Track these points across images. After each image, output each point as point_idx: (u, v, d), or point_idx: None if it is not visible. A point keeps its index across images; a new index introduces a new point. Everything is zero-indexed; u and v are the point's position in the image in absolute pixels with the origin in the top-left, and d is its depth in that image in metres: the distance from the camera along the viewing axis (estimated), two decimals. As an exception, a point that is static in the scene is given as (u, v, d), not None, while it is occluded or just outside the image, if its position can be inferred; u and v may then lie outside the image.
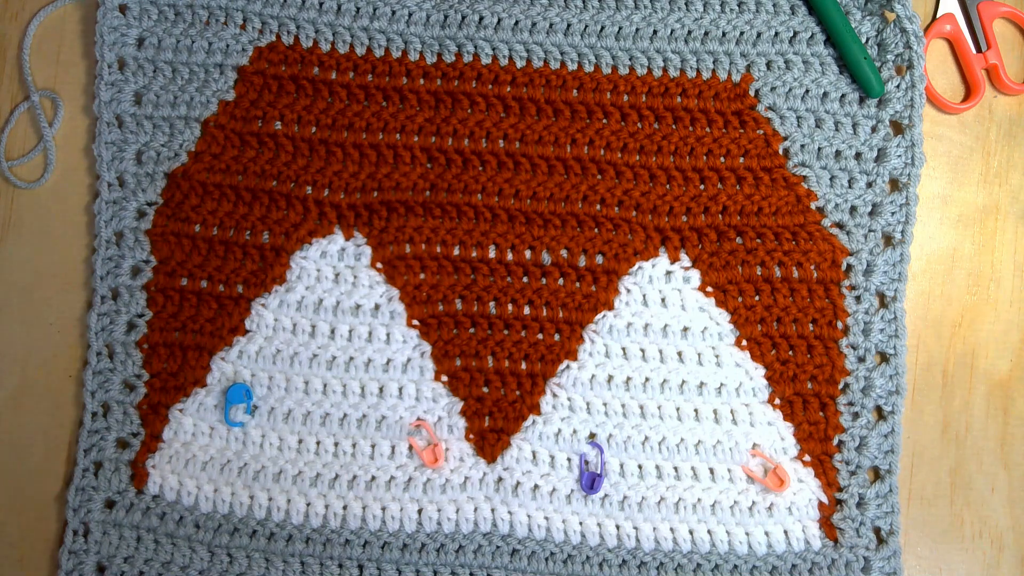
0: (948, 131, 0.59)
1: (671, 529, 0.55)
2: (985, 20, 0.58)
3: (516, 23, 0.58)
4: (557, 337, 0.56)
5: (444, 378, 0.56)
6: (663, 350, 0.56)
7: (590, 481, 0.55)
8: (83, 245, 0.58)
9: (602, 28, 0.57)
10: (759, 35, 0.57)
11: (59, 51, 0.60)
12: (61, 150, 0.59)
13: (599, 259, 0.57)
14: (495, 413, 0.56)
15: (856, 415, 0.56)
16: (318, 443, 0.56)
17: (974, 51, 0.59)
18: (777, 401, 0.55)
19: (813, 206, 0.57)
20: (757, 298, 0.56)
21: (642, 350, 0.56)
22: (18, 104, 0.59)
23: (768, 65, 0.57)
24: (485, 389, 0.56)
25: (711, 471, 0.55)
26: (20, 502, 0.57)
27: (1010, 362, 0.58)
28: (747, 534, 0.55)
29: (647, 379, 0.56)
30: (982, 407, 0.58)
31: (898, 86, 0.57)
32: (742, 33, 0.57)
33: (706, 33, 0.57)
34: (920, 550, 0.55)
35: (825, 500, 0.55)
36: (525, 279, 0.57)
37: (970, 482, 0.58)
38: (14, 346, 0.58)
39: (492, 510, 0.56)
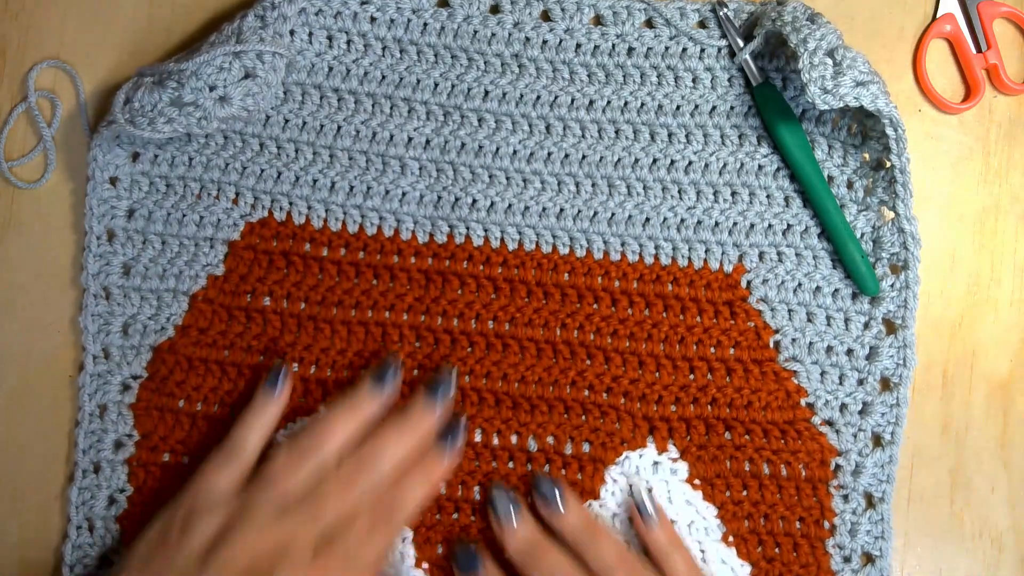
0: (948, 131, 0.60)
1: None
2: (985, 20, 0.60)
3: (509, 206, 0.58)
4: (541, 526, 0.57)
5: (425, 565, 0.57)
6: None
7: None
8: (83, 246, 0.59)
9: (595, 213, 0.58)
10: (752, 226, 0.58)
11: (59, 52, 0.61)
12: (61, 151, 0.61)
13: (585, 447, 0.57)
14: (476, 604, 0.56)
15: (840, 620, 0.56)
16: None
17: (974, 51, 0.60)
18: (763, 601, 0.56)
19: (803, 402, 0.57)
20: (745, 493, 0.57)
21: (627, 542, 0.57)
22: (16, 104, 0.60)
23: (761, 256, 0.58)
24: (466, 579, 0.56)
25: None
26: (20, 502, 0.59)
27: (1010, 362, 0.59)
28: None
29: (631, 573, 0.56)
30: (982, 407, 0.59)
31: (892, 285, 0.58)
32: (735, 223, 0.58)
33: (699, 222, 0.58)
34: (920, 550, 0.56)
35: None
36: (510, 464, 0.57)
37: (970, 482, 0.59)
38: (13, 346, 0.60)
39: None
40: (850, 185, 0.59)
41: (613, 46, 0.59)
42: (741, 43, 0.58)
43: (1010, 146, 0.60)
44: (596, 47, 0.59)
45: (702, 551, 0.57)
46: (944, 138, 0.60)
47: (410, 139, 0.59)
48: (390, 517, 0.53)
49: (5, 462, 0.59)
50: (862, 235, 0.58)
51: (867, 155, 0.58)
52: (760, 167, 0.59)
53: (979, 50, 0.60)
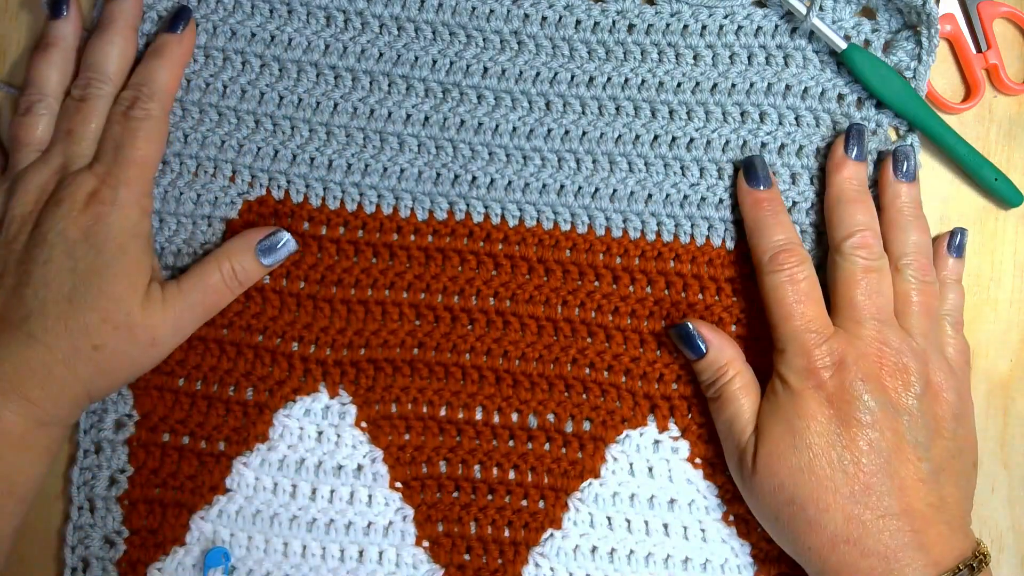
0: None
1: None
2: (985, 20, 0.60)
3: (509, 183, 0.59)
4: (542, 504, 0.57)
5: (425, 543, 0.57)
6: (649, 521, 0.57)
7: None
8: None
9: (596, 190, 0.59)
10: (754, 202, 0.58)
11: None
12: None
13: (586, 425, 0.58)
14: (476, 582, 0.57)
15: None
16: (298, 603, 0.57)
17: (974, 51, 0.61)
18: (763, 579, 0.56)
19: (804, 378, 0.57)
20: (745, 471, 0.57)
21: (627, 520, 0.57)
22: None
23: (762, 233, 0.58)
24: (467, 556, 0.57)
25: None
26: None
27: (1010, 362, 0.60)
28: None
29: (631, 551, 0.57)
30: (982, 407, 0.59)
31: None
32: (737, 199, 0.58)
33: (702, 199, 0.58)
34: None
35: None
36: (511, 443, 0.58)
37: None
38: None
39: None
40: (860, 103, 0.59)
41: (613, 23, 0.59)
42: (804, 9, 0.57)
43: (1010, 146, 0.61)
44: (596, 24, 0.59)
45: (702, 530, 0.57)
46: None
47: (408, 116, 0.59)
48: (140, 101, 0.56)
49: None
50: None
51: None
52: (763, 144, 0.59)
53: (979, 50, 0.60)
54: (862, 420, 0.51)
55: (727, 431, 0.55)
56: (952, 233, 0.58)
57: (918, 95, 0.58)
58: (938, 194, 0.61)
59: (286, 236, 0.57)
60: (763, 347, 0.58)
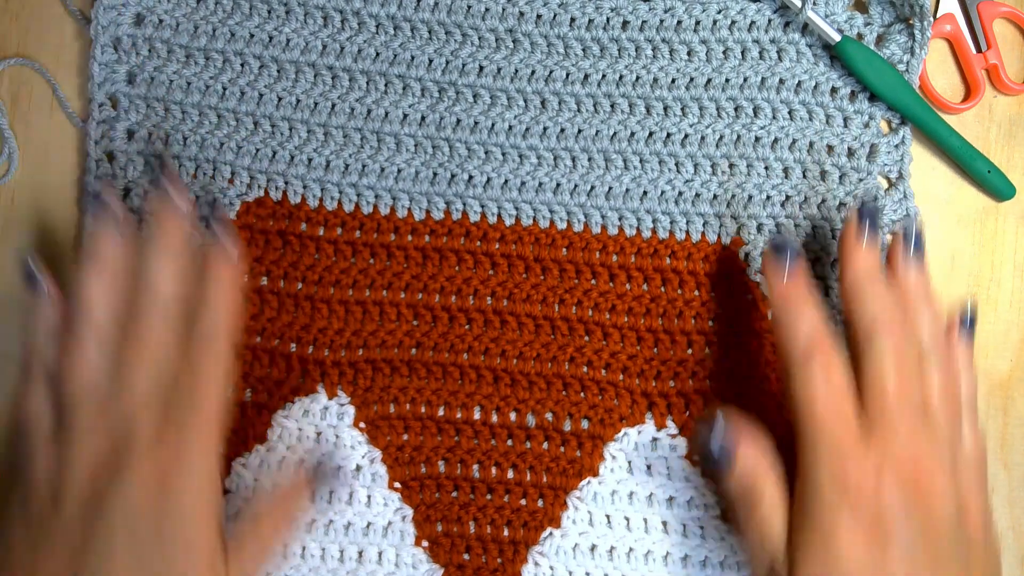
0: None
1: None
2: (985, 20, 0.61)
3: (505, 182, 0.59)
4: (541, 503, 0.58)
5: (425, 543, 0.58)
6: (648, 519, 0.58)
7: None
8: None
9: (591, 188, 0.59)
10: (750, 198, 0.59)
11: (59, 52, 0.63)
12: (61, 151, 0.62)
13: (584, 424, 0.58)
14: (476, 581, 0.57)
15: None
16: (297, 605, 0.58)
17: (974, 51, 0.61)
18: (762, 577, 0.56)
19: (802, 374, 0.58)
20: (744, 468, 0.57)
21: (626, 519, 0.58)
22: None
23: (759, 228, 0.59)
24: (466, 556, 0.58)
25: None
26: None
27: (1010, 362, 0.60)
28: None
29: (631, 549, 0.58)
30: (982, 407, 0.59)
31: (890, 255, 0.58)
32: (733, 196, 0.59)
33: (696, 195, 0.59)
34: None
35: None
36: (509, 442, 0.58)
37: None
38: (14, 346, 0.60)
39: None
40: (851, 153, 0.59)
41: (607, 20, 0.60)
42: (799, 2, 0.58)
43: (1010, 146, 0.61)
44: (590, 21, 0.60)
45: (701, 527, 0.58)
46: None
47: (405, 116, 0.60)
48: (206, 347, 0.51)
49: (5, 461, 0.60)
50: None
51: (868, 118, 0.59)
52: (757, 139, 0.59)
53: (979, 50, 0.61)
54: (900, 538, 0.48)
55: (756, 548, 0.52)
56: (963, 315, 0.55)
57: (912, 88, 0.59)
58: (938, 194, 0.61)
59: (333, 464, 0.56)
60: (758, 346, 0.58)
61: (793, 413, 0.50)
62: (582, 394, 0.59)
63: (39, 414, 0.51)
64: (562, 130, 0.60)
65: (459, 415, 0.59)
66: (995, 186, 0.60)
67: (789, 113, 0.60)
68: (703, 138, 0.60)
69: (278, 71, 0.61)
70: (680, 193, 0.60)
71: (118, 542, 0.48)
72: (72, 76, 0.62)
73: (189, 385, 0.50)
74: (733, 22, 0.60)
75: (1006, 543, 0.60)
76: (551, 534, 0.58)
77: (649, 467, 0.58)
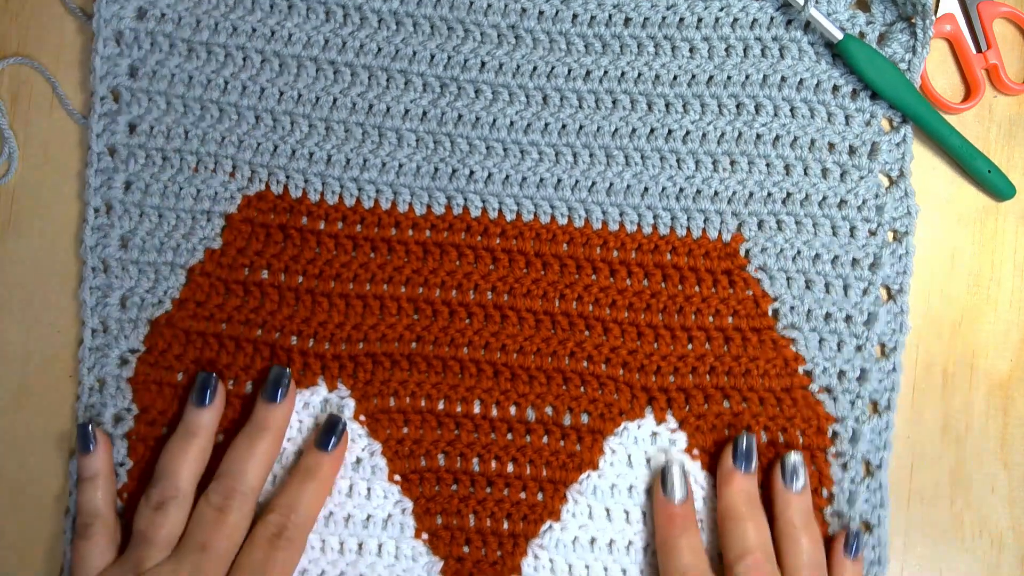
0: None
1: None
2: (985, 20, 0.62)
3: (506, 177, 0.60)
4: (540, 496, 0.58)
5: (424, 536, 0.58)
6: (647, 513, 0.58)
7: None
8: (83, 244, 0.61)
9: (592, 184, 0.60)
10: (751, 195, 0.59)
11: (59, 53, 0.63)
12: (61, 150, 0.62)
13: (584, 418, 0.58)
14: (475, 574, 0.58)
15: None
16: (297, 597, 0.58)
17: (974, 51, 0.62)
18: (761, 571, 0.57)
19: (801, 370, 0.59)
20: (743, 462, 0.58)
21: (626, 512, 0.58)
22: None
23: (759, 225, 0.59)
24: (466, 548, 0.58)
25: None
26: (20, 502, 0.60)
27: (1010, 362, 0.61)
28: None
29: (630, 542, 0.58)
30: (982, 407, 0.61)
31: (892, 252, 0.59)
32: (734, 192, 0.59)
33: (697, 191, 0.59)
34: (920, 550, 0.58)
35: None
36: (509, 436, 0.59)
37: (970, 482, 0.60)
38: (14, 346, 0.61)
39: (471, 674, 0.57)
40: (852, 151, 0.60)
41: (610, 16, 0.60)
42: (801, 0, 0.59)
43: (1010, 146, 0.62)
44: (593, 17, 0.60)
45: (700, 520, 0.58)
46: None
47: (406, 111, 0.61)
48: (288, 532, 0.55)
49: (5, 461, 0.61)
50: (864, 202, 0.59)
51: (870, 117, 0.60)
52: (759, 136, 0.60)
53: (979, 50, 0.62)
54: None
55: None
56: (848, 534, 0.57)
57: (913, 86, 0.59)
58: (938, 194, 0.62)
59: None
60: (758, 341, 0.59)
61: None
62: (582, 388, 0.59)
63: (100, 557, 0.56)
64: (563, 126, 0.61)
65: (459, 409, 0.59)
66: (995, 186, 0.60)
67: (790, 110, 0.60)
68: (704, 135, 0.60)
69: (280, 66, 0.61)
70: (681, 189, 0.60)
71: None
72: (72, 73, 0.63)
73: (267, 571, 0.55)
74: (735, 19, 0.60)
75: (1006, 543, 0.60)
76: (551, 527, 0.59)
77: (649, 461, 0.59)
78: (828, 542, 0.58)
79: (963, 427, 0.60)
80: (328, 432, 0.57)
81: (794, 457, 0.57)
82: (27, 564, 0.60)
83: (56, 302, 0.61)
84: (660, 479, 0.57)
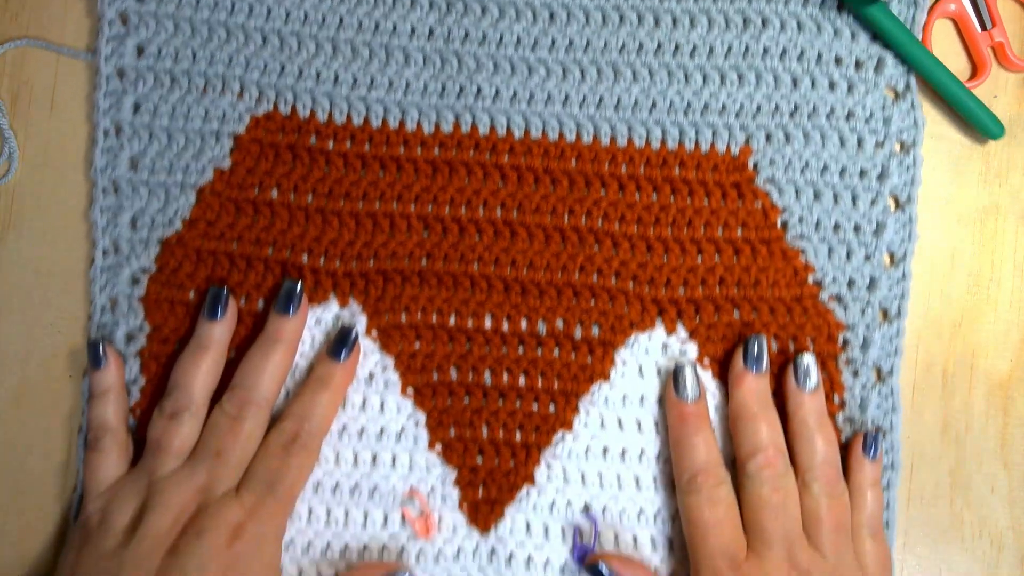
0: (948, 131, 0.62)
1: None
2: None
3: (514, 94, 0.60)
4: (552, 408, 0.59)
5: (438, 447, 0.59)
6: (659, 422, 0.59)
7: (581, 554, 0.56)
8: (84, 246, 0.62)
9: (600, 100, 0.60)
10: (759, 108, 0.60)
11: (58, 57, 0.63)
12: (60, 151, 0.63)
13: (595, 330, 0.59)
14: (489, 483, 0.58)
15: (853, 489, 0.58)
16: (310, 512, 0.59)
17: (979, 29, 0.62)
18: (773, 476, 0.57)
19: (810, 279, 0.59)
20: (754, 371, 0.58)
21: (638, 421, 0.59)
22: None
23: (767, 138, 0.60)
24: (479, 459, 0.59)
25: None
26: (20, 502, 0.61)
27: (1010, 362, 0.61)
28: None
29: (643, 451, 0.59)
30: (982, 407, 0.61)
31: (900, 163, 0.59)
32: (741, 106, 0.60)
33: (705, 106, 0.60)
34: (920, 550, 0.58)
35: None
36: (520, 349, 0.59)
37: (970, 482, 0.61)
38: (14, 346, 0.61)
39: (485, 582, 0.58)
40: (858, 65, 0.60)
41: (615, -70, 0.61)
42: None
43: (1010, 146, 0.63)
44: (598, -69, 0.61)
45: (712, 428, 0.58)
46: (944, 138, 0.62)
47: (413, 29, 0.61)
48: (301, 438, 0.56)
49: (5, 461, 0.61)
50: (871, 114, 0.60)
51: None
52: (766, 50, 0.60)
53: (984, 28, 0.62)
54: None
55: None
56: (866, 434, 0.57)
57: (904, 27, 0.60)
58: (938, 194, 0.62)
59: (406, 574, 0.56)
60: (767, 252, 0.59)
61: (684, 529, 0.56)
62: (592, 302, 0.60)
63: (112, 468, 0.57)
64: (570, 42, 0.61)
65: (470, 323, 0.60)
66: (985, 124, 0.60)
67: (797, 25, 0.61)
68: (711, 49, 0.61)
69: (287, -14, 0.61)
70: (688, 104, 0.61)
71: None
72: (78, 5, 0.63)
73: (282, 477, 0.55)
74: None
75: (1006, 543, 0.61)
76: (563, 437, 0.59)
77: (660, 371, 0.59)
78: (843, 448, 0.58)
79: (963, 427, 0.61)
80: (340, 342, 0.58)
81: (806, 357, 0.58)
82: (27, 564, 0.60)
83: (56, 302, 0.61)
84: (672, 380, 0.58)
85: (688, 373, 0.58)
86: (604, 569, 0.55)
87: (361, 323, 0.60)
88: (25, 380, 0.61)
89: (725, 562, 0.54)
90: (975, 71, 0.63)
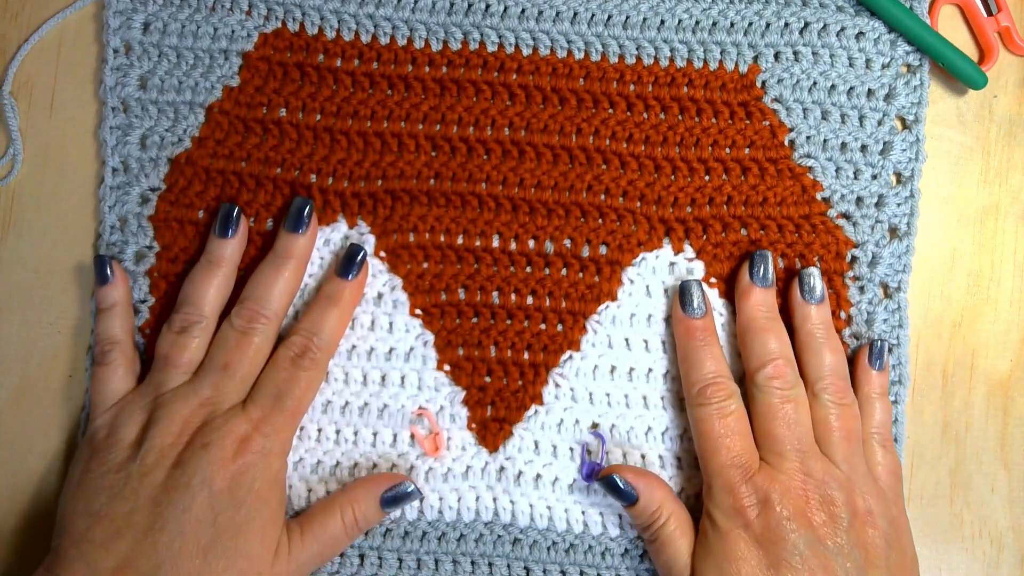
0: (948, 131, 0.63)
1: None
2: None
3: (523, 11, 0.60)
4: (560, 327, 0.59)
5: (446, 367, 0.59)
6: (666, 341, 0.59)
7: (590, 471, 0.57)
8: (83, 245, 0.62)
9: (609, 17, 0.60)
10: (768, 26, 0.60)
11: (58, 52, 0.63)
12: (60, 151, 0.63)
13: (602, 249, 0.59)
14: (497, 402, 0.59)
15: (860, 406, 0.58)
16: (319, 431, 0.59)
17: (985, 15, 0.62)
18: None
19: (819, 196, 0.59)
20: (761, 288, 0.59)
21: (645, 340, 0.59)
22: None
23: (776, 56, 0.60)
24: (487, 379, 0.59)
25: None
26: (20, 502, 0.61)
27: (1010, 362, 0.62)
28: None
29: (650, 369, 0.59)
30: (982, 407, 0.61)
31: (907, 83, 0.59)
32: (751, 24, 0.60)
33: (714, 23, 0.60)
34: (920, 550, 0.58)
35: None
36: (528, 269, 0.59)
37: (970, 482, 0.61)
38: (14, 346, 0.62)
39: (494, 499, 0.58)
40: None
41: None
42: None
43: (1010, 146, 0.62)
44: None
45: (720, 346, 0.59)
46: (944, 138, 0.62)
47: (421, -53, 0.61)
48: (311, 352, 0.56)
49: (5, 461, 0.61)
50: (879, 35, 0.60)
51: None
52: (773, -29, 0.60)
53: (990, 13, 0.62)
54: (791, 561, 0.52)
55: (666, 574, 0.55)
56: (872, 345, 0.58)
57: None
58: (938, 194, 0.63)
59: (411, 487, 0.57)
60: (775, 171, 0.59)
61: (695, 443, 0.56)
62: (600, 221, 0.60)
63: (119, 383, 0.57)
64: (579, -40, 0.61)
65: (478, 243, 0.60)
66: (968, 75, 0.60)
67: (805, -60, 0.61)
68: (719, -34, 0.61)
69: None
70: (697, 22, 0.61)
71: (197, 499, 0.52)
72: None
73: (290, 390, 0.55)
74: None
75: (1006, 543, 0.61)
76: (571, 356, 0.60)
77: (667, 290, 0.60)
78: (850, 364, 0.58)
79: (963, 427, 0.61)
80: (349, 260, 0.58)
81: (811, 271, 0.58)
82: (27, 564, 0.60)
83: (56, 302, 0.62)
84: (679, 296, 0.58)
85: (695, 289, 0.58)
86: (619, 481, 0.56)
87: (370, 243, 0.60)
88: (25, 380, 0.62)
89: (738, 473, 0.54)
90: (982, 56, 0.63)
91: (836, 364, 0.57)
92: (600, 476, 0.56)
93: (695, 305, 0.58)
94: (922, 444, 0.61)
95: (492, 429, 0.60)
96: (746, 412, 0.56)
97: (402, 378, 0.60)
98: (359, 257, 0.58)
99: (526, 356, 0.60)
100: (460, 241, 0.60)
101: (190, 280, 0.58)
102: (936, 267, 0.62)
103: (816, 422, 0.56)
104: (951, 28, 0.62)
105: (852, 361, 0.58)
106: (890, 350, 0.59)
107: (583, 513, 0.59)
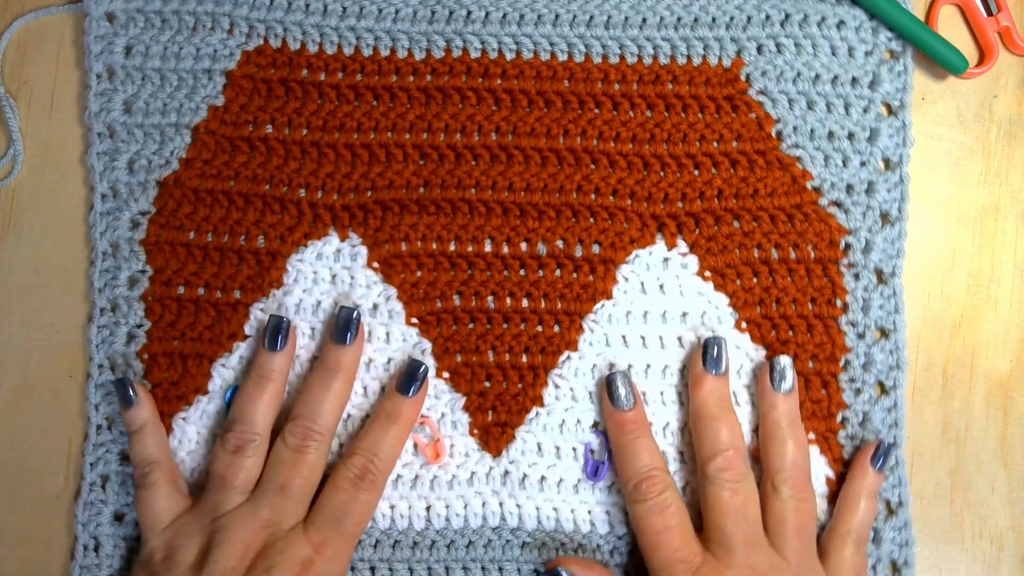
0: (948, 131, 0.63)
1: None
2: None
3: (504, 16, 0.61)
4: (557, 328, 0.59)
5: (445, 374, 0.59)
6: (663, 336, 0.59)
7: (594, 469, 0.57)
8: (83, 246, 0.62)
9: (591, 18, 0.60)
10: (749, 19, 0.61)
11: (58, 52, 0.63)
12: (60, 151, 0.63)
13: (595, 249, 0.60)
14: (498, 407, 0.59)
15: (858, 391, 0.59)
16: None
17: (985, 15, 0.63)
18: (779, 383, 0.58)
19: (809, 186, 0.60)
20: (755, 280, 0.59)
21: (642, 337, 0.59)
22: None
23: (759, 49, 0.61)
24: (487, 383, 0.59)
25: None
26: (20, 502, 0.61)
27: (1010, 362, 0.62)
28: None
29: (648, 365, 0.59)
30: (982, 407, 0.62)
31: (891, 69, 0.60)
32: (732, 18, 0.60)
33: (695, 19, 0.60)
34: (920, 550, 0.59)
35: (832, 475, 0.58)
36: (522, 272, 0.60)
37: (970, 482, 0.61)
38: (14, 346, 0.62)
39: (500, 504, 0.59)
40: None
41: None
42: None
43: (1010, 146, 0.63)
44: None
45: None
46: (944, 138, 0.63)
47: (399, -43, 0.61)
48: (371, 474, 0.56)
49: (6, 461, 0.62)
50: (861, 23, 0.60)
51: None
52: (753, -38, 0.61)
53: (990, 13, 0.63)
54: None
55: None
56: (879, 445, 0.58)
57: None
58: (938, 194, 0.63)
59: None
60: (764, 163, 0.60)
61: (638, 540, 0.56)
62: (591, 220, 0.61)
63: (165, 501, 0.57)
64: (557, -38, 0.61)
65: (470, 249, 0.60)
66: (949, 60, 0.60)
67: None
68: (698, -38, 0.61)
69: (270, -80, 0.62)
70: (679, 18, 0.61)
71: None
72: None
73: (349, 513, 0.55)
74: None
75: (1006, 543, 0.61)
76: (569, 357, 0.60)
77: (662, 286, 0.60)
78: (842, 350, 0.59)
79: (963, 427, 0.61)
80: (410, 377, 0.58)
81: (783, 359, 0.58)
82: (27, 564, 0.61)
83: (56, 302, 0.62)
84: (606, 390, 0.58)
85: (620, 382, 0.58)
86: (564, 573, 0.56)
87: (362, 255, 0.60)
88: (25, 380, 0.62)
89: (683, 568, 0.54)
90: (982, 56, 0.63)
91: (798, 458, 0.56)
92: (547, 568, 0.57)
93: (622, 397, 0.57)
94: (922, 444, 0.61)
95: (494, 434, 0.60)
96: (683, 504, 0.56)
97: (402, 388, 0.60)
98: (419, 373, 0.58)
99: (524, 359, 0.60)
100: (452, 248, 0.61)
101: (241, 396, 0.58)
102: (936, 267, 0.62)
103: (771, 514, 0.56)
104: (951, 28, 0.63)
105: (854, 456, 0.58)
106: (885, 336, 0.59)
107: (589, 512, 0.59)
